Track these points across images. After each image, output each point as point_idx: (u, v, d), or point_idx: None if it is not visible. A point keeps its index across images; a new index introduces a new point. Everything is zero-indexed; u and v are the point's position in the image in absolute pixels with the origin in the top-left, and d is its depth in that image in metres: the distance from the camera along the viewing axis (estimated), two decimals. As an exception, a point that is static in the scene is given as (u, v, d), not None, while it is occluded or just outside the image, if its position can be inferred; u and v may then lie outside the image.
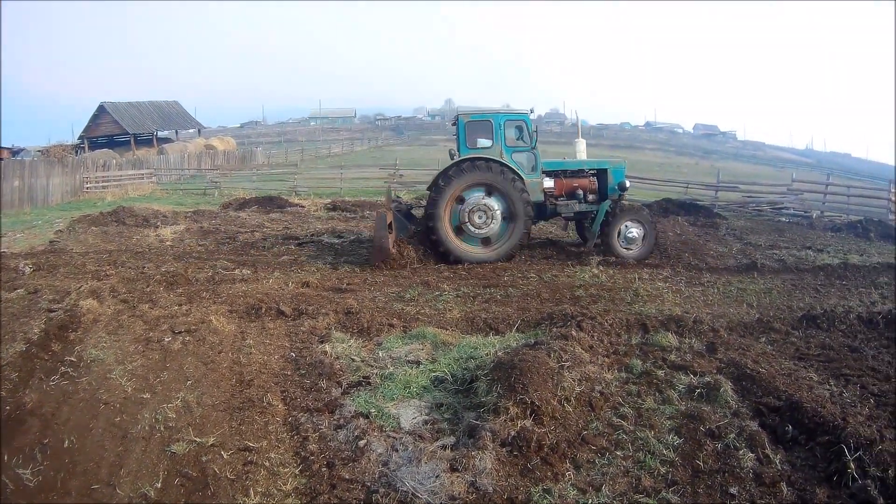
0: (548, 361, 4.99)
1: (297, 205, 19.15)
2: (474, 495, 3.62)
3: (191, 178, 33.19)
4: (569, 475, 3.97)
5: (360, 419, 4.54)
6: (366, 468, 3.89)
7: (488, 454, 3.94)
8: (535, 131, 10.92)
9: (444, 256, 10.30)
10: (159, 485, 3.74)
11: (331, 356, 5.68)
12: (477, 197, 10.21)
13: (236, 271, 9.34)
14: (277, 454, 4.06)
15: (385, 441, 4.22)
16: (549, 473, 3.95)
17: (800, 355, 6.62)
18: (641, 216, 11.07)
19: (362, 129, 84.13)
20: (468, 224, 10.24)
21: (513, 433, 4.17)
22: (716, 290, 9.30)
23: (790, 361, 6.32)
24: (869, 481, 3.99)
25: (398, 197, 13.90)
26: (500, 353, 5.39)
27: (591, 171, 11.52)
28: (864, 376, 6.01)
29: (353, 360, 5.68)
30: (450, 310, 7.55)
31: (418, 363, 5.60)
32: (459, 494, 3.59)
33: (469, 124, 10.63)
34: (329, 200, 19.82)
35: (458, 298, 8.19)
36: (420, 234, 11.01)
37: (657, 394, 5.25)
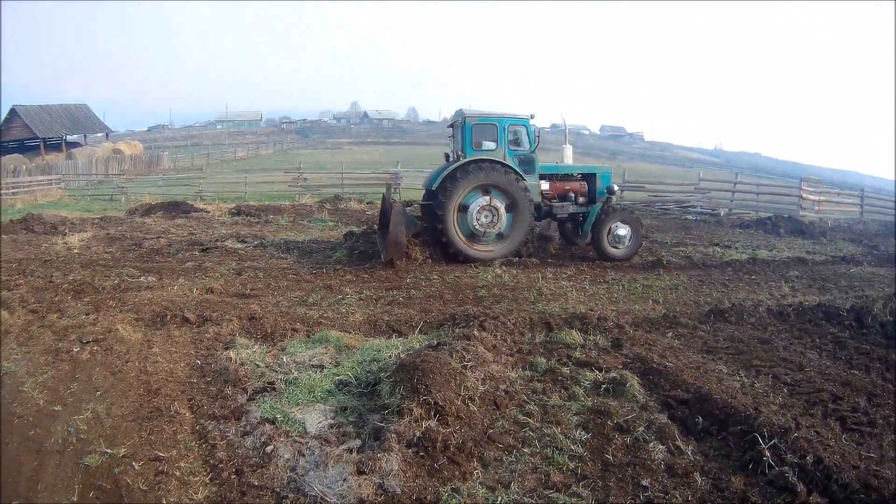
0: (450, 362, 5.64)
1: (202, 210, 21.59)
2: (383, 497, 4.11)
3: (98, 184, 37.03)
4: (477, 474, 4.50)
5: (267, 425, 5.10)
6: (274, 474, 4.40)
7: (394, 455, 4.46)
8: (538, 136, 12.73)
9: (454, 256, 12.11)
10: (75, 498, 4.21)
11: (235, 362, 6.41)
12: (483, 200, 12.00)
13: (142, 279, 10.55)
14: (187, 463, 4.58)
15: (292, 446, 4.76)
16: (456, 473, 4.47)
17: (708, 349, 7.60)
18: (628, 217, 13.18)
19: (268, 132, 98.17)
20: (474, 220, 12.00)
21: (418, 434, 4.72)
22: (621, 288, 10.76)
23: (698, 355, 7.28)
24: (786, 468, 4.58)
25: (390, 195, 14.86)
26: (402, 355, 6.08)
27: (581, 176, 13.70)
28: (775, 367, 6.98)
29: (257, 365, 6.44)
30: (352, 313, 8.57)
31: (322, 367, 6.39)
32: (368, 497, 4.07)
33: (475, 127, 12.36)
34: (234, 205, 22.66)
35: (361, 301, 9.33)
36: (426, 232, 12.70)
37: (563, 390, 5.99)
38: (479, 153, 12.36)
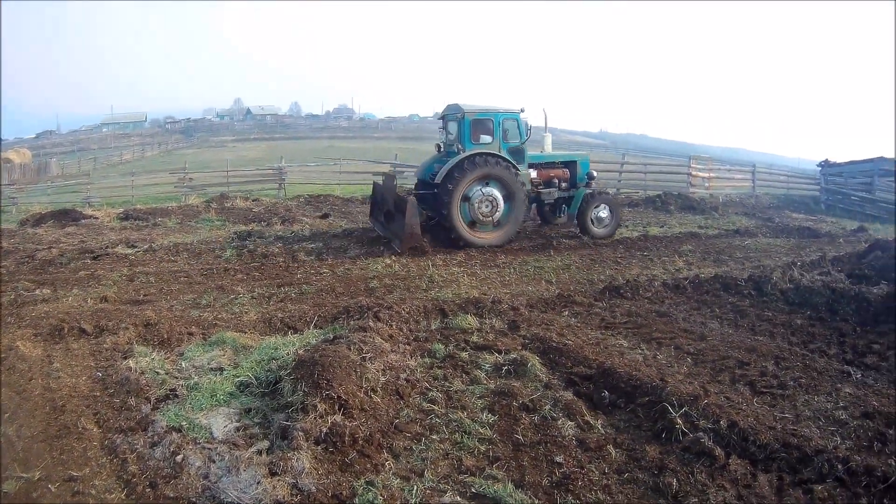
0: (349, 354, 6.51)
1: (91, 216, 23.76)
2: (299, 497, 4.69)
3: (-10, 196, 37.39)
4: (388, 465, 5.17)
5: (174, 433, 5.65)
6: (188, 483, 4.93)
7: (304, 454, 5.07)
8: (529, 129, 16.03)
9: (454, 241, 14.95)
10: (-1, 530, 4.43)
11: (136, 372, 7.10)
12: (486, 191, 15.07)
13: (37, 291, 11.53)
14: (101, 480, 5.06)
15: (201, 453, 5.33)
16: (368, 465, 5.13)
17: (606, 325, 8.77)
18: (609, 200, 17.17)
19: (153, 133, 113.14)
20: (475, 210, 15.04)
21: (325, 430, 5.40)
22: (512, 271, 12.60)
23: (597, 331, 8.56)
24: (701, 434, 5.38)
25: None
26: (300, 352, 6.98)
27: (563, 163, 17.45)
28: (676, 338, 8.14)
29: (157, 373, 7.18)
30: (246, 312, 9.69)
31: (221, 370, 7.21)
32: (284, 498, 4.65)
33: (474, 122, 15.40)
34: (122, 210, 25.32)
35: (254, 300, 10.62)
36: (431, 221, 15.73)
37: (464, 375, 6.97)
38: (477, 146, 15.29)
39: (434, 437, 5.63)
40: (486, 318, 8.88)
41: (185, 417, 6.04)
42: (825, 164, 33.10)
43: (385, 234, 15.60)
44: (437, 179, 15.03)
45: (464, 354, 7.51)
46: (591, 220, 16.67)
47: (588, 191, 16.88)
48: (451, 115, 16.17)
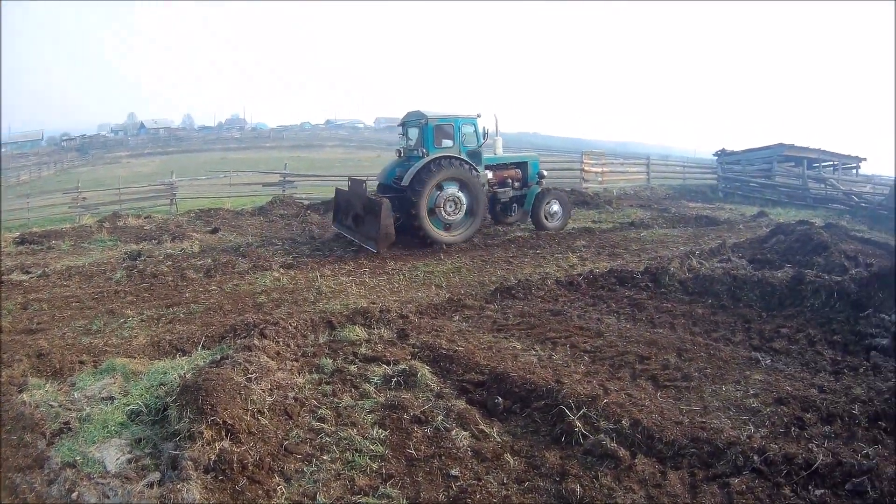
0: (233, 377, 6.57)
1: None
2: None
3: None
4: (280, 489, 5.21)
5: (68, 469, 5.61)
6: None
7: (194, 484, 5.07)
8: (486, 133, 17.85)
9: (423, 240, 16.52)
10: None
11: (31, 406, 7.03)
12: (451, 191, 16.80)
13: None
14: None
15: (95, 489, 5.34)
16: (259, 492, 5.15)
17: (498, 327, 8.88)
18: (560, 196, 19.65)
19: (50, 151, 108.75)
20: (441, 210, 16.69)
21: (213, 457, 5.42)
22: (402, 277, 12.88)
23: (489, 335, 8.66)
24: (602, 435, 5.42)
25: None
26: (186, 376, 7.06)
27: (515, 164, 19.55)
28: (571, 336, 8.26)
29: (51, 406, 7.15)
30: (136, 336, 9.65)
31: (112, 399, 7.29)
32: None
33: (436, 127, 17.38)
34: (18, 234, 23.87)
35: (143, 323, 10.55)
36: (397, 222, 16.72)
37: (353, 390, 7.06)
38: (440, 150, 17.10)
39: (325, 457, 5.68)
40: (374, 329, 9.04)
41: (78, 452, 6.06)
42: (722, 153, 34.81)
43: (354, 237, 17.03)
44: (405, 182, 16.70)
45: (352, 368, 7.63)
46: (545, 215, 18.89)
47: (539, 189, 19.15)
48: (413, 121, 18.17)
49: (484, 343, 8.23)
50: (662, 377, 7.01)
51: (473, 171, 17.17)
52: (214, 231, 19.92)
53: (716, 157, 34.88)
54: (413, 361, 7.54)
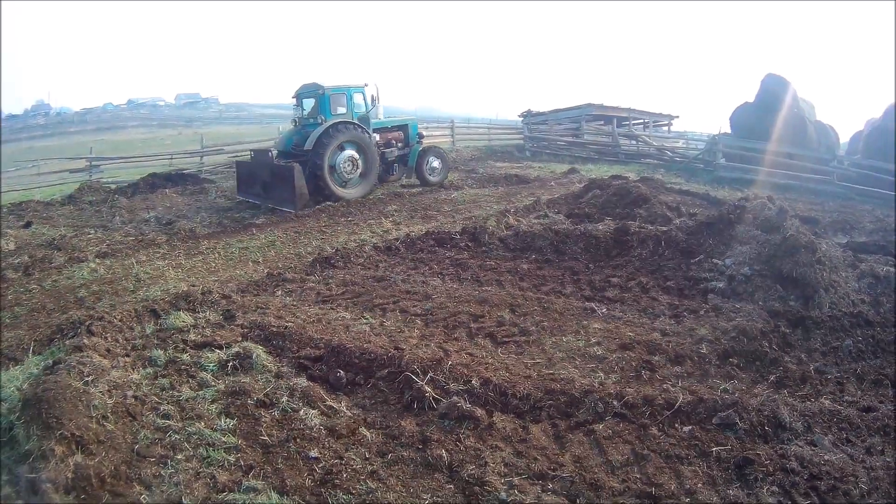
0: (71, 382, 6.06)
1: None
2: None
3: None
4: (144, 498, 4.86)
5: None
6: None
7: None
8: (373, 100, 20.30)
9: (327, 197, 18.48)
10: None
11: None
12: (349, 152, 19.09)
13: None
14: None
15: None
16: None
17: (323, 299, 8.77)
18: (438, 152, 22.36)
19: None
20: (341, 169, 18.94)
21: (70, 475, 5.01)
22: (217, 255, 12.55)
23: (315, 307, 8.52)
24: (455, 397, 5.43)
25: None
26: (24, 388, 6.47)
27: (397, 127, 22.06)
28: (400, 301, 8.32)
29: None
30: None
31: None
32: None
33: (332, 96, 19.82)
34: None
35: None
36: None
37: (191, 380, 6.68)
38: (336, 117, 19.48)
39: (179, 456, 5.33)
40: (199, 312, 8.65)
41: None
42: (528, 114, 35.92)
43: (265, 203, 18.61)
44: (308, 146, 18.68)
45: (185, 357, 7.20)
46: (427, 171, 21.43)
47: (420, 147, 21.98)
48: (308, 92, 20.51)
49: (312, 316, 8.12)
50: (500, 334, 7.14)
51: (367, 134, 19.56)
52: (27, 225, 18.73)
53: (521, 119, 36.02)
54: (246, 343, 7.29)
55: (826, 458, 4.84)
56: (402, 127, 22.40)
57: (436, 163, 21.80)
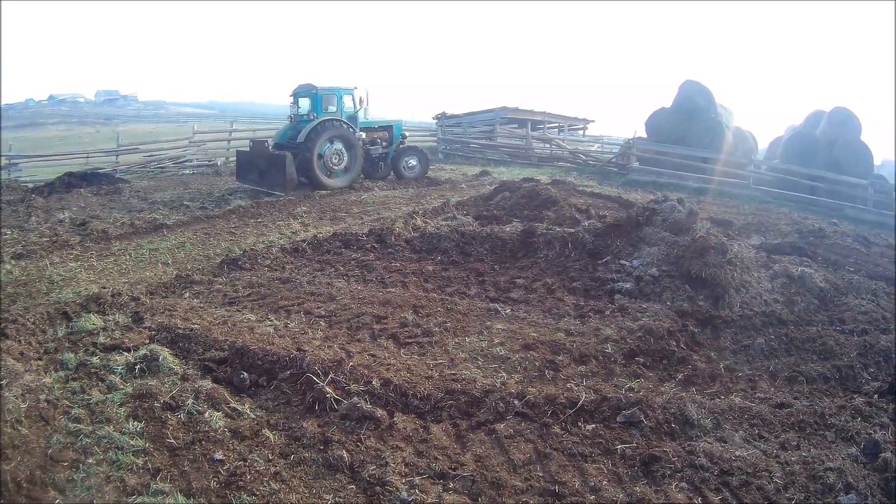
0: None
1: None
2: None
3: None
4: (58, 503, 4.90)
5: None
6: None
7: None
8: (361, 101, 22.39)
9: (314, 185, 20.91)
10: None
11: None
12: (336, 147, 21.44)
13: None
14: None
15: None
16: None
17: (230, 300, 8.79)
18: (417, 152, 24.79)
19: None
20: (327, 161, 21.25)
21: None
22: (128, 257, 12.40)
23: (222, 309, 8.56)
24: (356, 398, 5.55)
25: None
26: None
27: (383, 127, 24.36)
28: (304, 303, 8.41)
29: None
30: None
31: None
32: None
33: (324, 96, 22.12)
34: None
35: None
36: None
37: (100, 383, 6.73)
38: (326, 115, 21.79)
39: (90, 460, 5.37)
40: (109, 315, 8.63)
41: None
42: (442, 116, 36.23)
43: (262, 187, 20.58)
44: (300, 139, 21.17)
45: (95, 360, 7.23)
46: (403, 168, 23.77)
47: (403, 146, 24.42)
48: (303, 92, 22.82)
49: (218, 318, 8.21)
50: (403, 335, 7.27)
51: (352, 131, 22.00)
52: (-58, 228, 17.82)
53: (436, 121, 36.20)
54: (153, 345, 7.31)
55: (737, 453, 5.03)
56: (388, 127, 24.79)
57: (413, 161, 24.15)
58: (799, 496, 4.60)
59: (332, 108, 22.59)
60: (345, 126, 22.06)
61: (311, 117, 22.22)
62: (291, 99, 23.94)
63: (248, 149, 23.65)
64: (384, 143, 24.48)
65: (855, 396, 6.38)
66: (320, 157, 21.39)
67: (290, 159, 20.17)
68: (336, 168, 21.72)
